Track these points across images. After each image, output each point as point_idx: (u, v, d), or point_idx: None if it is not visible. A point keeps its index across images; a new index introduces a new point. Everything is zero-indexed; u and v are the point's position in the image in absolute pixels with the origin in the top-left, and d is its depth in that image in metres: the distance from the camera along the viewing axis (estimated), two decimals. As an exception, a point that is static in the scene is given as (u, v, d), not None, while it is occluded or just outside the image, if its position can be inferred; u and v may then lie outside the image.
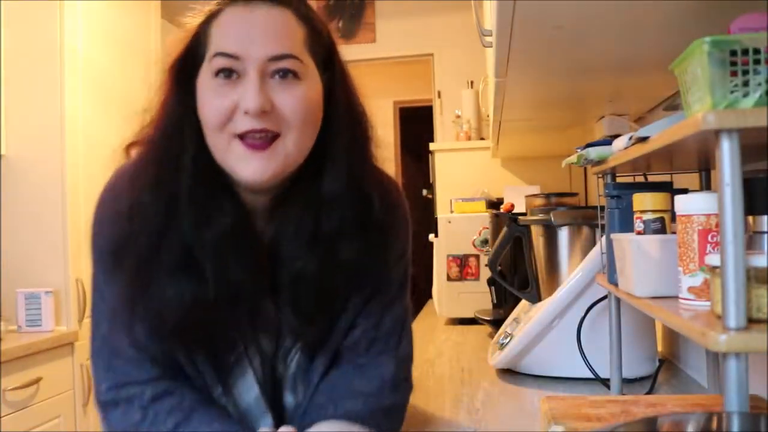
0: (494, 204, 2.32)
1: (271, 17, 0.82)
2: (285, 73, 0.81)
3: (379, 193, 0.90)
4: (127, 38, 2.81)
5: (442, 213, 2.79)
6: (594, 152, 1.06)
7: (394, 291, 0.98)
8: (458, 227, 2.10)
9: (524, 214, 1.74)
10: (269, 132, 0.80)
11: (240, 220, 0.86)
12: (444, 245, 2.11)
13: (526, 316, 1.41)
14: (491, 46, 1.27)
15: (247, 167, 0.81)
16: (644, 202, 0.85)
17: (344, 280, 0.88)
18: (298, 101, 0.81)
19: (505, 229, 1.50)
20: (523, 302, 1.52)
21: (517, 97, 1.47)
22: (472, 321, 2.05)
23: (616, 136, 1.74)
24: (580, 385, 1.28)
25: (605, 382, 1.19)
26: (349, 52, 3.37)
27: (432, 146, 2.87)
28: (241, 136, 0.81)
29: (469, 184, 2.72)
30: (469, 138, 3.03)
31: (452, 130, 3.35)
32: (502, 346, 1.38)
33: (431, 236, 2.21)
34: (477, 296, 2.06)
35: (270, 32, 0.82)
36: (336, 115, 0.88)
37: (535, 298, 1.45)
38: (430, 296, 2.47)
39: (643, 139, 0.80)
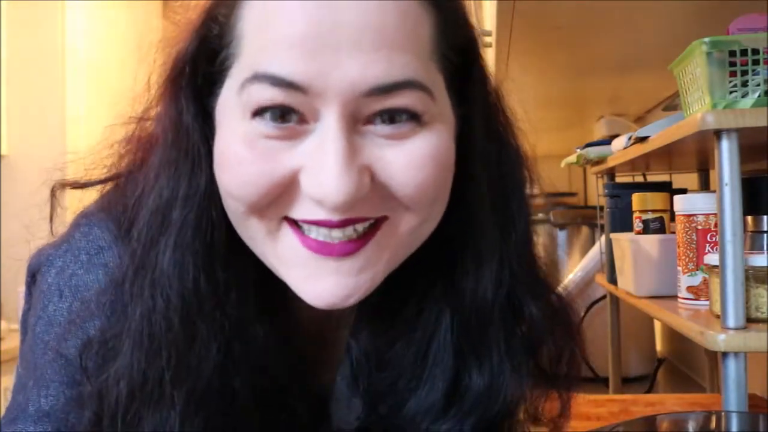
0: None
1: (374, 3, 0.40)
2: (398, 117, 0.41)
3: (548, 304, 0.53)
4: (129, 38, 2.81)
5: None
6: (593, 152, 1.07)
7: None
8: (458, 227, 2.10)
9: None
10: (364, 222, 0.42)
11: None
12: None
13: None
14: (491, 46, 1.28)
15: (313, 282, 0.43)
16: (643, 202, 0.85)
17: None
18: (424, 165, 0.42)
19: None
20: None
21: (516, 97, 1.47)
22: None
23: (616, 136, 1.74)
24: (582, 385, 1.28)
25: (604, 382, 1.19)
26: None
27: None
28: (299, 223, 0.43)
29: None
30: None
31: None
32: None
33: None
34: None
35: (371, 34, 0.39)
36: (476, 167, 0.48)
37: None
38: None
39: (643, 139, 0.80)
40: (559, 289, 0.54)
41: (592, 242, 1.35)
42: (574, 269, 1.30)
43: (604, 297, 1.21)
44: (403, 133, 0.41)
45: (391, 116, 0.41)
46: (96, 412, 0.45)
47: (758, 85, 0.56)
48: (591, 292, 1.26)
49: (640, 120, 1.71)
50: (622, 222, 1.00)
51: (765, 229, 0.63)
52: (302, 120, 0.40)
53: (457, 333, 0.48)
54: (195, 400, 0.44)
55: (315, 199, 0.40)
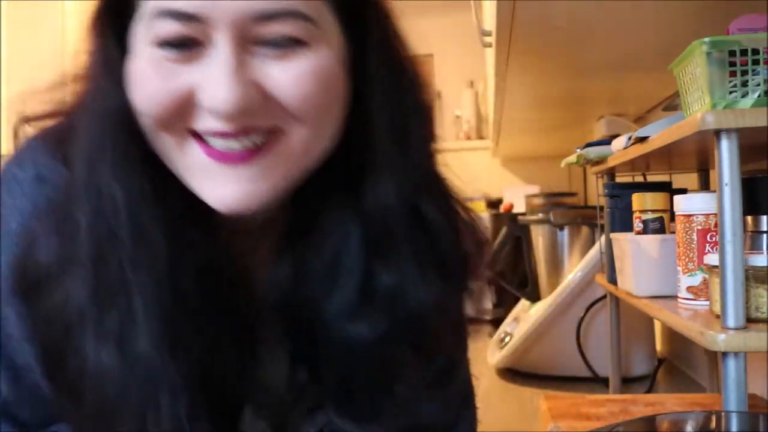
0: (494, 204, 2.32)
1: None
2: (282, 40, 0.47)
3: (449, 215, 0.60)
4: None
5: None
6: (593, 152, 1.07)
7: (461, 356, 0.70)
8: (458, 227, 2.10)
9: (524, 214, 1.74)
10: (258, 130, 0.48)
11: (221, 259, 0.54)
12: (444, 245, 2.11)
13: (526, 315, 1.41)
14: (491, 46, 1.28)
15: (216, 189, 0.49)
16: (643, 202, 0.85)
17: (414, 348, 0.57)
18: (307, 80, 0.48)
19: (504, 228, 1.50)
20: (523, 301, 1.52)
21: (516, 97, 1.47)
22: (471, 320, 2.04)
23: (616, 136, 1.74)
24: (580, 385, 1.28)
25: (604, 382, 1.19)
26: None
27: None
28: (202, 135, 0.49)
29: (468, 184, 2.72)
30: (468, 138, 3.03)
31: (452, 130, 3.35)
32: (502, 345, 1.38)
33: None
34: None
35: None
36: (373, 90, 0.53)
37: (535, 297, 1.45)
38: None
39: (642, 139, 0.80)
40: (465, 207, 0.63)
41: (592, 242, 1.35)
42: (574, 269, 1.30)
43: (604, 297, 1.21)
44: (287, 54, 0.47)
45: (276, 40, 0.47)
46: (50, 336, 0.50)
47: (758, 85, 0.56)
48: (591, 292, 1.26)
49: (640, 120, 1.71)
50: (622, 222, 1.00)
51: (765, 229, 0.63)
52: (199, 45, 0.47)
53: (366, 241, 0.54)
54: (151, 299, 0.49)
55: (210, 110, 0.47)
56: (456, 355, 0.66)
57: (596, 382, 1.25)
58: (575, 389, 1.26)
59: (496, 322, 1.77)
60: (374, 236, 0.54)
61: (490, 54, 1.43)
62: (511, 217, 1.50)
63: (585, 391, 1.24)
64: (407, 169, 0.54)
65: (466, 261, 0.60)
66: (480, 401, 1.24)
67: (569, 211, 1.38)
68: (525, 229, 1.47)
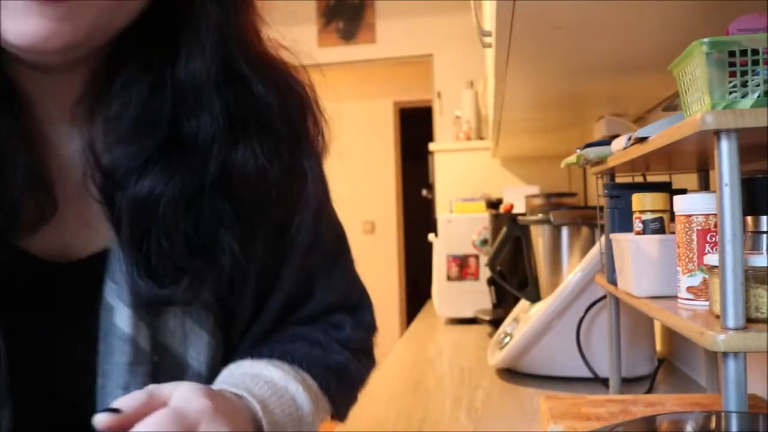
0: (494, 204, 2.32)
1: None
2: None
3: (275, 77, 0.62)
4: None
5: (441, 213, 2.80)
6: (593, 152, 1.06)
7: (330, 239, 0.72)
8: (458, 227, 2.10)
9: (524, 215, 1.74)
10: None
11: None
12: (444, 245, 2.11)
13: (526, 316, 1.41)
14: (491, 47, 1.28)
15: (18, 25, 0.46)
16: (643, 202, 0.85)
17: (225, 209, 0.56)
18: None
19: (504, 229, 1.50)
20: (523, 302, 1.52)
21: (516, 97, 1.47)
22: (472, 321, 2.05)
23: (616, 136, 1.74)
24: (580, 385, 1.28)
25: (604, 382, 1.19)
26: (349, 52, 3.42)
27: (431, 146, 2.88)
28: None
29: (468, 185, 2.73)
30: (468, 138, 3.03)
31: (452, 130, 3.36)
32: (502, 346, 1.38)
33: (431, 236, 2.21)
34: (477, 296, 2.06)
35: None
36: None
37: (535, 298, 1.45)
38: (430, 296, 2.47)
39: (642, 140, 0.80)
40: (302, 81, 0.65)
41: (593, 242, 1.35)
42: (574, 269, 1.30)
43: (604, 297, 1.21)
44: None
45: None
46: None
47: (758, 85, 0.56)
48: (591, 292, 1.26)
49: (640, 120, 1.71)
50: (622, 222, 1.00)
51: (765, 229, 0.63)
52: None
53: (173, 101, 0.55)
54: None
55: None
56: (309, 239, 0.65)
57: (596, 382, 1.25)
58: (575, 389, 1.26)
59: (496, 323, 1.77)
60: (184, 96, 0.55)
61: (490, 54, 1.43)
62: (510, 218, 1.50)
63: (585, 391, 1.24)
64: (223, 33, 0.55)
65: (292, 125, 0.62)
66: (480, 401, 1.24)
67: (569, 212, 1.38)
68: (525, 229, 1.47)
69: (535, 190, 2.17)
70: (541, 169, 2.70)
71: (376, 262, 4.93)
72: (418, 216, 5.92)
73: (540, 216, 1.41)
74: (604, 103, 1.62)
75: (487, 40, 1.31)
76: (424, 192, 3.13)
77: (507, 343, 1.36)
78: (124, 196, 0.54)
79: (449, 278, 2.10)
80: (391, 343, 4.87)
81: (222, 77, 0.56)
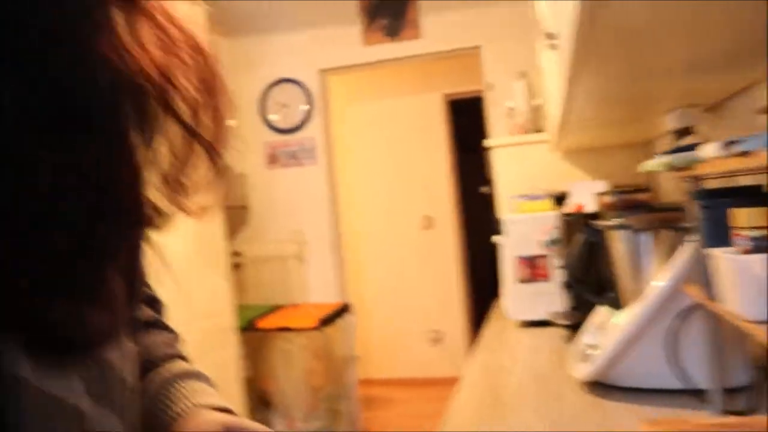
0: (558, 198, 2.27)
1: None
2: None
3: None
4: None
5: (503, 211, 2.75)
6: (680, 159, 1.02)
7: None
8: (525, 228, 2.05)
9: (595, 215, 1.69)
10: None
11: None
12: (512, 247, 2.07)
13: (611, 325, 1.36)
14: (556, 49, 1.23)
15: None
16: (747, 219, 0.80)
17: None
18: None
19: (580, 234, 1.45)
20: (604, 310, 1.47)
21: (583, 97, 1.42)
22: (543, 323, 2.01)
23: (687, 129, 1.67)
24: (670, 398, 1.23)
25: (696, 394, 1.14)
26: (395, 49, 3.38)
27: (488, 142, 2.83)
28: None
29: (529, 180, 2.67)
30: (524, 131, 2.97)
31: (506, 122, 3.29)
32: (587, 357, 1.34)
33: (496, 237, 2.17)
34: (548, 298, 2.02)
35: None
36: None
37: (617, 305, 1.40)
38: (495, 294, 2.43)
39: (745, 152, 0.75)
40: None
41: (675, 245, 1.30)
42: (658, 275, 1.25)
43: (694, 306, 1.16)
44: None
45: None
46: None
47: None
48: (679, 299, 1.20)
49: (714, 110, 1.63)
50: (714, 232, 0.95)
51: None
52: None
53: None
54: None
55: None
56: None
57: (688, 394, 1.20)
58: (666, 402, 1.21)
59: (575, 327, 1.72)
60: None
61: (558, 56, 1.38)
62: (584, 221, 1.45)
63: (676, 404, 1.19)
64: None
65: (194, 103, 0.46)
66: (569, 417, 1.21)
67: (649, 216, 1.32)
68: (602, 234, 1.42)
69: (602, 186, 2.10)
70: (603, 159, 2.62)
71: (436, 258, 4.90)
72: (476, 209, 5.87)
73: (619, 221, 1.36)
74: (674, 96, 1.56)
75: (554, 42, 1.26)
76: (483, 189, 3.08)
77: (593, 355, 1.32)
78: None
79: (519, 280, 2.05)
80: (458, 340, 4.85)
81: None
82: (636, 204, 1.75)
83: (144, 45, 0.42)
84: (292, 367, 2.98)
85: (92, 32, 0.39)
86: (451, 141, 5.00)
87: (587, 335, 1.45)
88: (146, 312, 0.66)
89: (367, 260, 4.93)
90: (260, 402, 3.06)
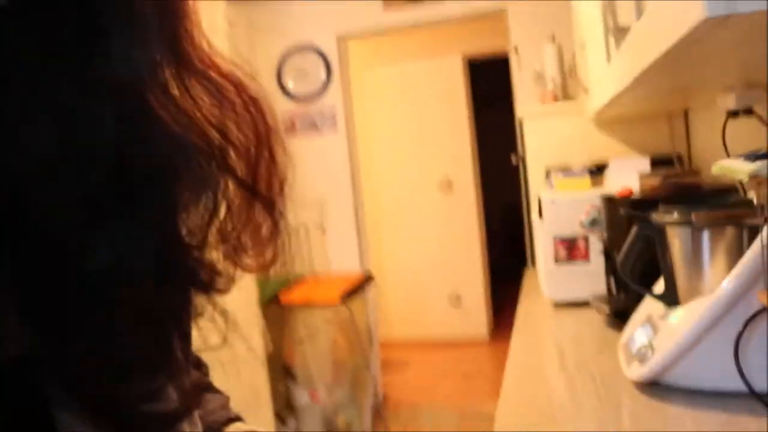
0: (593, 171, 2.21)
1: None
2: None
3: None
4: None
5: (535, 185, 2.68)
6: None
7: None
8: (563, 207, 1.99)
9: (643, 203, 1.62)
10: None
11: None
12: (549, 226, 2.01)
13: (665, 324, 1.31)
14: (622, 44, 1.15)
15: None
16: None
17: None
18: None
19: (635, 228, 1.39)
20: (653, 304, 1.41)
21: (642, 91, 1.34)
22: (579, 303, 1.97)
23: (749, 109, 1.58)
24: (733, 401, 1.19)
25: (761, 398, 1.10)
26: (415, 14, 3.26)
27: (520, 112, 2.74)
28: None
29: (561, 151, 2.59)
30: (555, 98, 2.87)
31: (533, 88, 3.19)
32: (643, 357, 1.29)
33: (534, 216, 2.11)
34: (587, 278, 1.97)
35: None
36: None
37: (672, 302, 1.35)
38: (516, 259, 2.39)
39: None
40: None
41: (739, 242, 1.24)
42: (722, 275, 1.19)
43: (762, 310, 1.10)
44: None
45: None
46: None
47: None
48: (747, 300, 1.15)
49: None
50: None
51: None
52: None
53: None
54: None
55: None
56: None
57: (753, 397, 1.15)
58: (728, 406, 1.17)
59: (621, 315, 1.68)
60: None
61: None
62: (631, 208, 1.38)
63: (740, 408, 1.15)
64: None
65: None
66: (629, 425, 1.17)
67: (713, 213, 1.26)
68: (659, 229, 1.36)
69: (644, 164, 2.02)
70: (639, 129, 2.54)
71: (456, 221, 4.85)
72: (495, 172, 5.80)
73: (679, 218, 1.30)
74: (732, 74, 1.47)
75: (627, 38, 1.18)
76: (513, 159, 3.00)
77: (649, 355, 1.28)
78: None
79: (557, 260, 2.00)
80: (477, 302, 4.82)
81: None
82: (681, 186, 1.69)
83: (197, 102, 0.40)
84: (316, 341, 2.97)
85: (144, 93, 0.36)
86: (470, 103, 4.89)
87: (638, 332, 1.40)
88: (195, 375, 0.64)
89: (388, 224, 4.89)
90: (283, 374, 3.05)
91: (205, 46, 0.42)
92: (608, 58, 1.47)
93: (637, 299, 1.63)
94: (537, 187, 2.67)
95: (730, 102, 1.62)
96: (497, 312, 5.18)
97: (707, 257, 1.30)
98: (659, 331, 1.32)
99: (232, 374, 2.54)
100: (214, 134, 0.41)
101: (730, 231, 1.26)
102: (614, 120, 2.56)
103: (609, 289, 1.85)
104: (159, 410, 0.39)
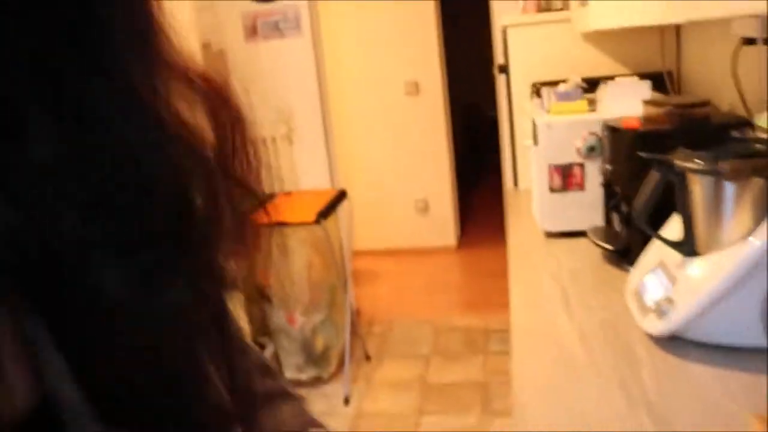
0: (585, 88, 2.11)
1: None
2: None
3: None
4: None
5: (519, 99, 2.56)
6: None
7: None
8: (559, 134, 1.90)
9: (650, 135, 1.55)
10: None
11: None
12: (544, 153, 1.92)
13: (683, 274, 1.27)
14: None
15: None
16: None
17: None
18: None
19: (655, 174, 1.31)
20: (666, 251, 1.36)
21: None
22: (573, 234, 1.92)
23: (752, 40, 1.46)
24: (759, 358, 1.16)
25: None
26: None
27: (504, 20, 2.57)
28: None
29: (549, 65, 2.47)
30: (539, 9, 2.70)
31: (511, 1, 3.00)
32: (661, 311, 1.25)
33: (527, 142, 2.02)
34: (583, 208, 1.91)
35: None
36: None
37: (690, 252, 1.29)
38: (487, 165, 2.31)
39: None
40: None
41: (766, 196, 1.17)
42: (747, 229, 1.14)
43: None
44: None
45: None
46: None
47: None
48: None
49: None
50: None
51: None
52: None
53: None
54: None
55: None
56: None
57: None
58: (753, 363, 1.15)
59: (624, 253, 1.64)
60: None
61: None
62: (662, 160, 1.30)
63: (764, 366, 1.13)
64: None
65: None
66: (652, 388, 1.13)
67: (742, 163, 1.18)
68: (681, 176, 1.28)
69: (645, 88, 1.91)
70: (631, 43, 2.42)
71: (423, 126, 4.72)
72: (459, 72, 5.61)
73: (706, 166, 1.22)
74: None
75: None
76: (495, 72, 2.86)
77: (668, 310, 1.23)
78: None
79: (552, 189, 1.93)
80: (445, 209, 4.77)
81: None
82: (691, 117, 1.60)
83: (179, 104, 0.38)
84: (291, 262, 2.89)
85: (151, 97, 0.35)
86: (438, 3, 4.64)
87: (651, 279, 1.35)
88: (264, 383, 0.62)
89: (353, 131, 4.72)
90: (258, 297, 2.99)
91: (176, 44, 0.39)
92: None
93: (643, 239, 1.58)
94: (521, 101, 2.56)
95: (750, 29, 1.52)
96: (463, 219, 5.17)
97: (731, 208, 1.23)
98: (678, 282, 1.27)
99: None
100: (203, 136, 0.39)
101: (757, 182, 1.20)
102: (603, 33, 2.43)
103: (610, 223, 1.79)
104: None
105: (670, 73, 2.33)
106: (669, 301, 1.25)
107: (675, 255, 1.34)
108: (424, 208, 4.80)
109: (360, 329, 3.44)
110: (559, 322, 1.43)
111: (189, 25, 2.38)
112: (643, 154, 1.31)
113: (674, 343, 1.26)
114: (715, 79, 2.02)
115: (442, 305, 3.87)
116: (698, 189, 1.27)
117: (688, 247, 1.31)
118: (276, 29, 3.51)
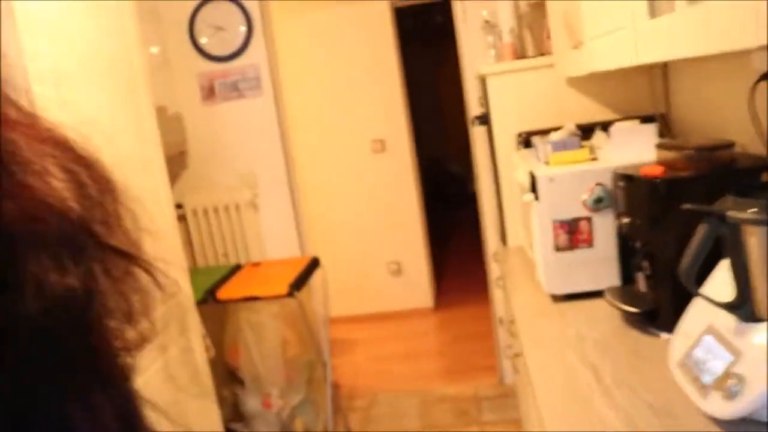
0: (583, 132, 1.96)
1: None
2: None
3: None
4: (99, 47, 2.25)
5: (502, 150, 2.40)
6: None
7: None
8: (562, 186, 1.72)
9: (677, 184, 1.38)
10: None
11: None
12: (547, 209, 1.73)
13: (748, 344, 1.07)
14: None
15: None
16: None
17: None
18: None
19: (704, 227, 1.12)
20: (713, 313, 1.17)
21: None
22: (583, 295, 1.73)
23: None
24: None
25: None
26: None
27: (485, 70, 2.43)
28: None
29: (532, 112, 2.32)
30: (516, 55, 2.58)
31: (483, 39, 2.89)
32: (728, 392, 1.05)
33: (527, 197, 1.83)
34: (591, 267, 1.72)
35: None
36: None
37: (750, 315, 1.10)
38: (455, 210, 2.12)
39: None
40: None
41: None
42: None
43: None
44: None
45: None
46: None
47: None
48: None
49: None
50: None
51: None
52: None
53: None
54: None
55: None
56: None
57: None
58: None
59: (652, 317, 1.45)
60: None
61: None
62: (713, 212, 1.12)
63: None
64: None
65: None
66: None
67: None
68: (734, 228, 1.10)
69: (651, 132, 1.76)
70: (613, 84, 2.29)
71: (391, 184, 4.53)
72: (426, 128, 5.49)
73: (761, 215, 1.04)
74: None
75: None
76: (470, 124, 2.70)
77: (739, 390, 1.03)
78: None
79: (557, 248, 1.74)
80: (419, 270, 4.55)
81: None
82: (715, 161, 1.44)
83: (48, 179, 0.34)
84: (263, 339, 2.62)
85: None
86: (400, 54, 4.53)
87: (703, 350, 1.15)
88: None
89: (321, 194, 4.51)
90: (229, 380, 2.70)
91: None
92: (652, 11, 1.17)
93: (674, 299, 1.39)
94: (506, 152, 2.40)
95: (762, 63, 1.38)
96: (437, 278, 4.96)
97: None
98: (743, 355, 1.07)
99: (171, 387, 2.17)
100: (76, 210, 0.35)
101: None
102: (589, 77, 2.30)
103: (629, 283, 1.60)
104: None
105: (662, 115, 2.20)
106: (737, 378, 1.05)
107: (726, 319, 1.15)
108: (398, 270, 4.58)
109: (341, 404, 3.16)
110: (597, 407, 1.21)
111: (144, 86, 2.16)
112: (689, 206, 1.13)
113: (747, 425, 1.06)
114: (714, 119, 1.88)
115: (427, 372, 3.61)
116: (754, 241, 1.09)
117: (744, 309, 1.12)
118: (235, 89, 3.32)
